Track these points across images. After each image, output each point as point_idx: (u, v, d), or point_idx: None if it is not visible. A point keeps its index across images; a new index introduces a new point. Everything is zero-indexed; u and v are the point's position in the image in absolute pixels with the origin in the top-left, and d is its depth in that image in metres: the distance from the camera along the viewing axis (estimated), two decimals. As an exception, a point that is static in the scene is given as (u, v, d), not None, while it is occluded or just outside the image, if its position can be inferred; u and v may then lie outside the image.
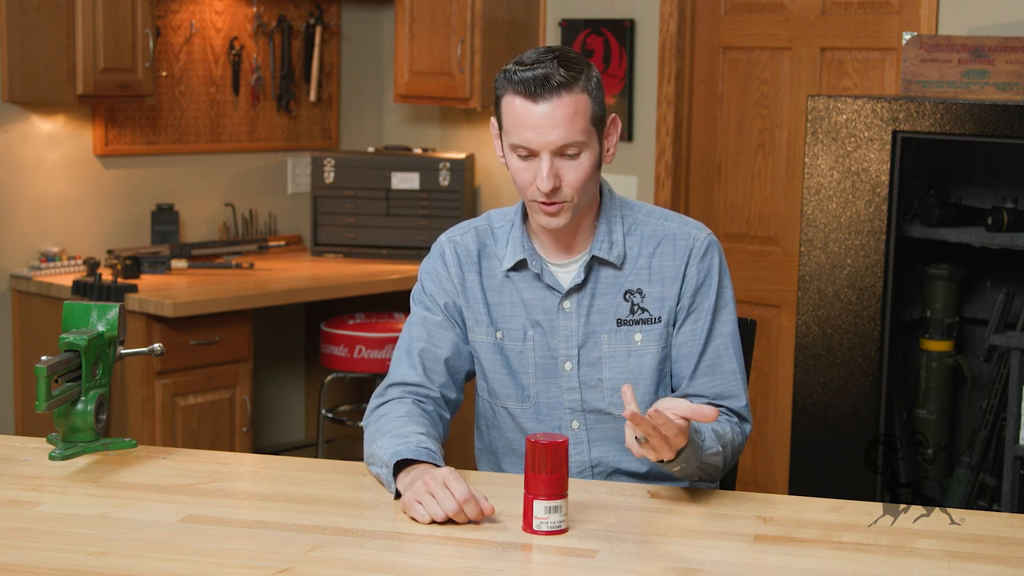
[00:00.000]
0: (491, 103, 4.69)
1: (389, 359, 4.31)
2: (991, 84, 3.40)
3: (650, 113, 4.54)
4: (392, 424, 2.21)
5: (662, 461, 2.08)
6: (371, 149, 5.03)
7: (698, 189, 4.52)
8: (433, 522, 1.98)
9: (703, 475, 2.19)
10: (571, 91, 2.16)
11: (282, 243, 4.87)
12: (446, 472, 2.02)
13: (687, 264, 2.31)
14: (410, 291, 2.45)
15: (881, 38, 4.09)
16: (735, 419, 2.31)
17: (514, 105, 2.18)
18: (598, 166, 2.25)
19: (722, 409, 2.31)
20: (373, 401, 2.33)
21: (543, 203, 2.21)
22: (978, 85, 3.41)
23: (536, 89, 2.15)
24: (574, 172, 2.20)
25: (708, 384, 2.31)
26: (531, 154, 2.19)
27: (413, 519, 2.00)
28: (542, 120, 2.16)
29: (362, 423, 2.36)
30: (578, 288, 2.31)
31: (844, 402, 3.44)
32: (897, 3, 4.04)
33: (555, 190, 2.19)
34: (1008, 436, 3.36)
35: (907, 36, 3.48)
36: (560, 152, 2.18)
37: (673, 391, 2.34)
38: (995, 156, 3.61)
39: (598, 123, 2.22)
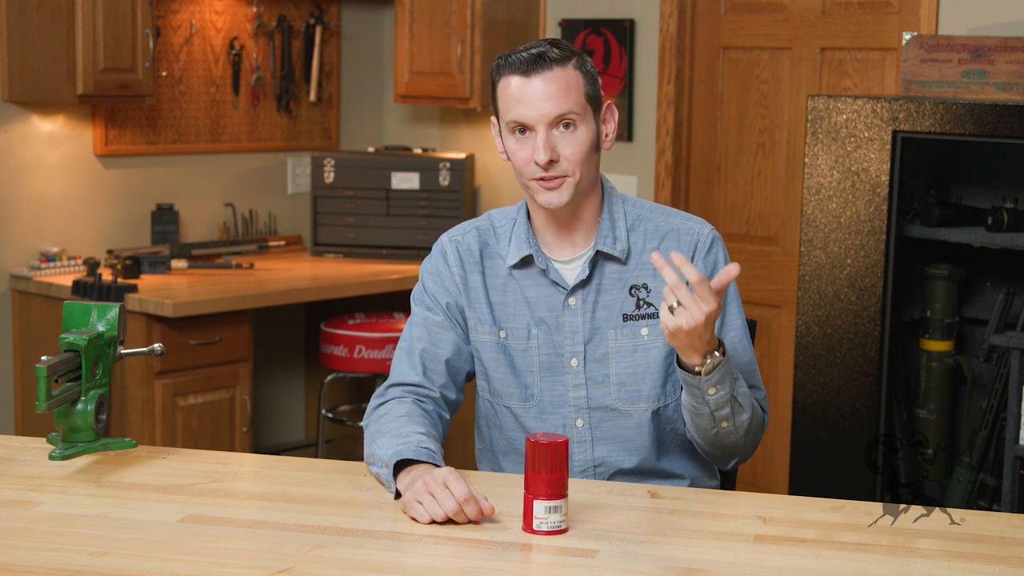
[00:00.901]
0: (491, 103, 4.68)
1: (389, 359, 4.34)
2: (991, 84, 3.40)
3: (650, 113, 4.54)
4: (392, 424, 2.21)
5: (698, 375, 2.11)
6: (371, 149, 5.03)
7: (698, 189, 4.52)
8: (433, 522, 1.98)
9: (731, 418, 2.19)
10: (564, 66, 2.21)
11: (282, 243, 4.87)
12: (446, 472, 2.02)
13: (692, 259, 2.32)
14: (410, 291, 2.44)
15: (881, 38, 4.09)
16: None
17: (509, 84, 2.23)
18: (596, 147, 2.26)
19: None
20: (373, 401, 2.33)
21: (542, 179, 2.22)
22: (978, 85, 3.41)
23: (530, 66, 2.20)
24: (571, 146, 2.21)
25: None
26: (527, 129, 2.22)
27: (413, 519, 2.00)
28: (536, 94, 2.20)
29: (362, 423, 2.36)
30: (583, 284, 2.31)
31: (844, 402, 3.44)
32: (897, 3, 4.04)
33: (552, 163, 2.21)
34: (1008, 436, 3.36)
35: (907, 36, 3.48)
36: (555, 124, 2.21)
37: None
38: (995, 156, 3.61)
39: (592, 101, 2.25)
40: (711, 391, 2.15)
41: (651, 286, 2.31)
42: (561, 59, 2.21)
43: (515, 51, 2.24)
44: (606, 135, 2.30)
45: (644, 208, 2.36)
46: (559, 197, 2.23)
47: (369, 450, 2.22)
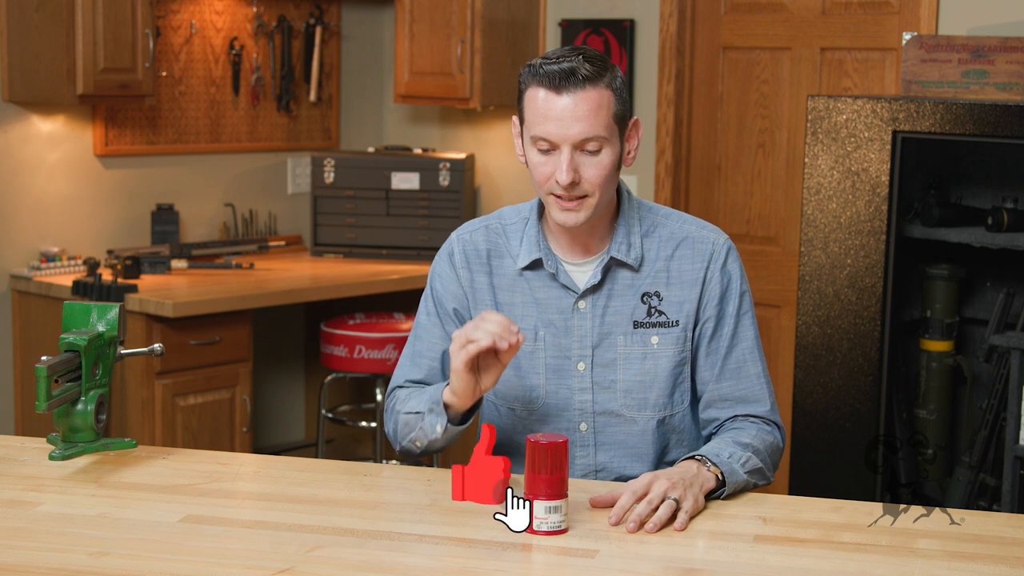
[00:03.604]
0: (491, 103, 4.69)
1: (389, 359, 4.35)
2: (991, 84, 3.40)
3: (650, 113, 4.54)
4: (411, 398, 2.28)
5: (718, 497, 2.11)
6: (371, 149, 5.03)
7: (698, 189, 4.52)
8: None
9: (757, 481, 2.21)
10: (596, 85, 2.16)
11: (282, 243, 4.87)
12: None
13: (707, 270, 2.30)
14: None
15: (881, 38, 4.09)
16: (759, 422, 2.30)
17: (538, 97, 2.17)
18: (618, 166, 2.23)
19: (741, 416, 2.31)
20: (386, 404, 2.38)
21: (561, 197, 2.20)
22: (978, 85, 3.41)
23: (560, 81, 2.14)
24: (594, 169, 2.18)
25: (734, 387, 2.30)
26: (552, 147, 2.18)
27: (476, 341, 2.10)
28: (564, 112, 2.15)
29: (387, 430, 2.38)
30: (594, 289, 2.30)
31: (844, 402, 3.44)
32: (897, 3, 4.04)
33: (574, 184, 2.17)
34: (1008, 436, 3.36)
35: (907, 36, 3.48)
36: (581, 146, 2.17)
37: (698, 399, 2.34)
38: (995, 156, 3.61)
39: (620, 121, 2.21)
40: (728, 493, 2.16)
41: (663, 294, 2.30)
42: (593, 76, 2.15)
43: (546, 59, 2.17)
44: (629, 152, 2.27)
45: (659, 214, 2.35)
46: (576, 218, 2.21)
47: (411, 430, 2.25)
